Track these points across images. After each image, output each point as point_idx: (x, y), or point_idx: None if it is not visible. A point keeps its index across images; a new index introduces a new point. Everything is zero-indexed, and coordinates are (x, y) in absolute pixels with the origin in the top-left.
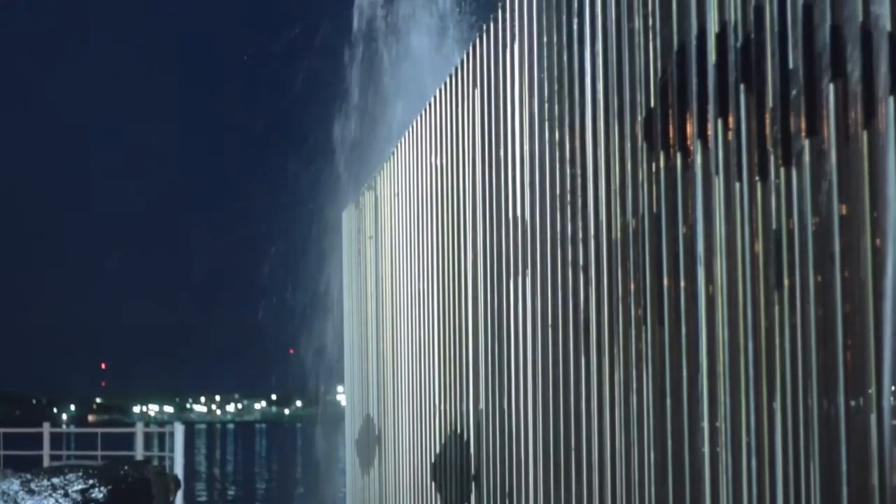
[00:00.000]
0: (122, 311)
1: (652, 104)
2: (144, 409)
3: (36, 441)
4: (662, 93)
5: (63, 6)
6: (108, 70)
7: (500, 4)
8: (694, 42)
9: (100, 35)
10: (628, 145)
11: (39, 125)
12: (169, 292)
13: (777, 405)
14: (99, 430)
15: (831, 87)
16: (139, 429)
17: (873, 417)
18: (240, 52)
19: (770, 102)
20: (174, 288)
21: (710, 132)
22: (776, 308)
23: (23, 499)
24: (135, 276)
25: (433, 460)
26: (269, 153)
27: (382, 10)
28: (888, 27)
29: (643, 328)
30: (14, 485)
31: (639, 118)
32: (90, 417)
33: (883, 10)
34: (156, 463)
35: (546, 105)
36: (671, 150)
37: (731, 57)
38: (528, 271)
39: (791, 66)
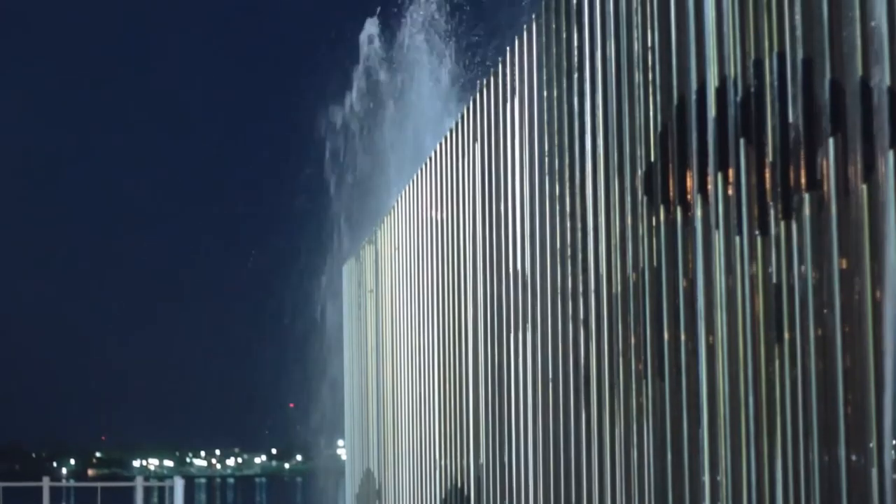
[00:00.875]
0: (123, 364)
1: (652, 158)
2: (144, 463)
3: (36, 495)
4: (662, 147)
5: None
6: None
7: (499, 59)
8: (694, 96)
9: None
10: (628, 199)
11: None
12: (170, 347)
13: (778, 459)
14: (99, 485)
15: (831, 141)
16: (139, 483)
17: (874, 472)
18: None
19: (770, 156)
20: (175, 342)
21: (710, 186)
22: (777, 362)
23: None
24: (135, 331)
25: None
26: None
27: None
28: (887, 82)
29: (644, 382)
30: None
31: (639, 172)
32: (90, 471)
33: (882, 66)
34: None
35: (546, 159)
36: (671, 204)
37: (731, 111)
38: (529, 325)
39: (791, 120)
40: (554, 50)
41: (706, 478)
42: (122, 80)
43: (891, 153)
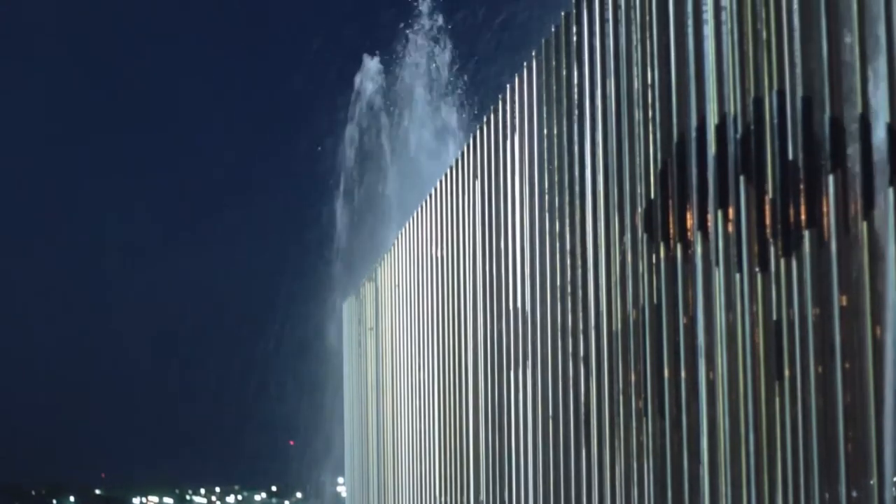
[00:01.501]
0: (122, 401)
1: (652, 195)
2: (144, 500)
3: None
4: (662, 184)
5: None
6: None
7: (499, 96)
8: (694, 134)
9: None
10: (628, 236)
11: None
12: (169, 385)
13: (779, 496)
14: None
15: (831, 178)
16: None
17: None
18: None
19: (770, 193)
20: (175, 380)
21: (710, 223)
22: (777, 398)
23: None
24: (135, 368)
25: None
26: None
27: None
28: (887, 118)
29: (644, 419)
30: None
31: (639, 209)
32: None
33: (881, 102)
34: None
35: (546, 196)
36: (671, 241)
37: (731, 148)
38: (529, 362)
39: (791, 157)
40: (554, 87)
41: None
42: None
43: (890, 190)
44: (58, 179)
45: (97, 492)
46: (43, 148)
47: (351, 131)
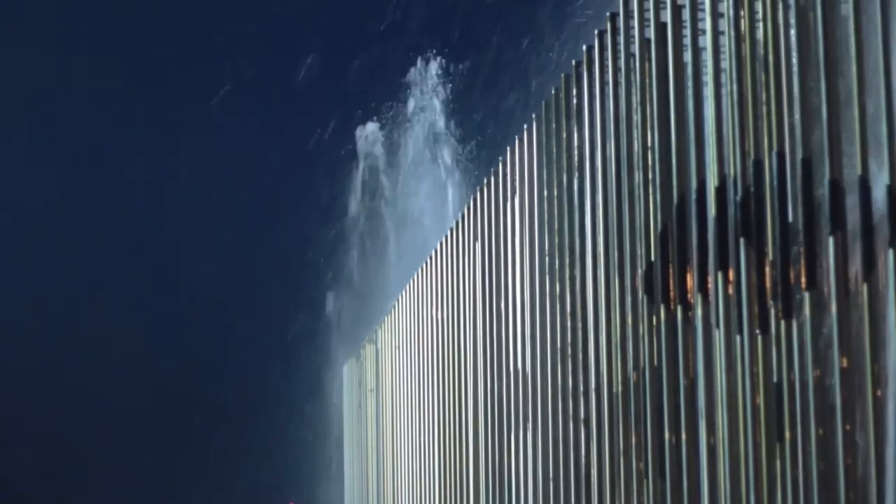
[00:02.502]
0: (121, 458)
1: (652, 257)
2: None
3: None
4: (663, 246)
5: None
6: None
7: (500, 158)
8: (694, 196)
9: None
10: (629, 298)
11: None
12: (171, 439)
13: None
14: None
15: (830, 240)
16: None
17: None
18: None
19: (770, 255)
20: (175, 434)
21: (710, 285)
22: (778, 461)
23: None
24: (136, 428)
25: None
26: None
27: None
28: (886, 180)
29: (645, 481)
30: None
31: (639, 271)
32: None
33: (881, 164)
34: None
35: (546, 258)
36: (672, 303)
37: (731, 210)
38: (529, 424)
39: (790, 219)
40: (554, 149)
41: None
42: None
43: (890, 252)
44: None
45: None
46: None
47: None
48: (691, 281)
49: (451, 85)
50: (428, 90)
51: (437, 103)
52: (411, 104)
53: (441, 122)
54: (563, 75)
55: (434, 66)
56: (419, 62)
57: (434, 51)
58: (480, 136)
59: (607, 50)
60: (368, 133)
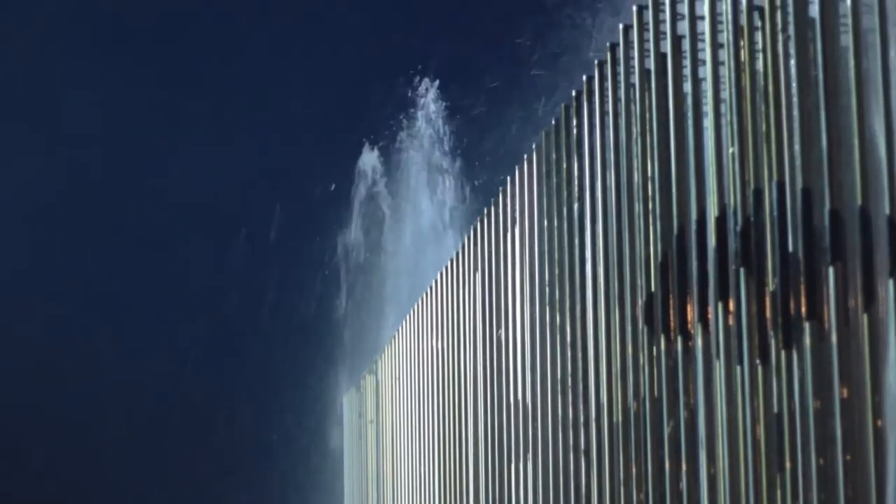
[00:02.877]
0: (124, 477)
1: (652, 288)
2: None
3: None
4: (663, 276)
5: None
6: None
7: (500, 188)
8: (694, 226)
9: None
10: (629, 329)
11: None
12: (172, 483)
13: None
14: None
15: (831, 270)
16: None
17: None
18: None
19: (770, 286)
20: (177, 477)
21: (710, 315)
22: (778, 492)
23: None
24: (140, 444)
25: None
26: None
27: None
28: (886, 210)
29: None
30: None
31: (639, 301)
32: None
33: (881, 193)
34: None
35: (546, 289)
36: (672, 333)
37: (731, 241)
38: (530, 455)
39: (791, 249)
40: (554, 180)
41: None
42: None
43: (891, 282)
44: None
45: None
46: None
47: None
48: (691, 311)
49: (451, 112)
50: (427, 117)
51: (436, 130)
52: (411, 131)
53: (440, 151)
54: (562, 105)
55: (434, 92)
56: (418, 88)
57: (433, 75)
58: (483, 167)
59: (607, 80)
60: (367, 160)
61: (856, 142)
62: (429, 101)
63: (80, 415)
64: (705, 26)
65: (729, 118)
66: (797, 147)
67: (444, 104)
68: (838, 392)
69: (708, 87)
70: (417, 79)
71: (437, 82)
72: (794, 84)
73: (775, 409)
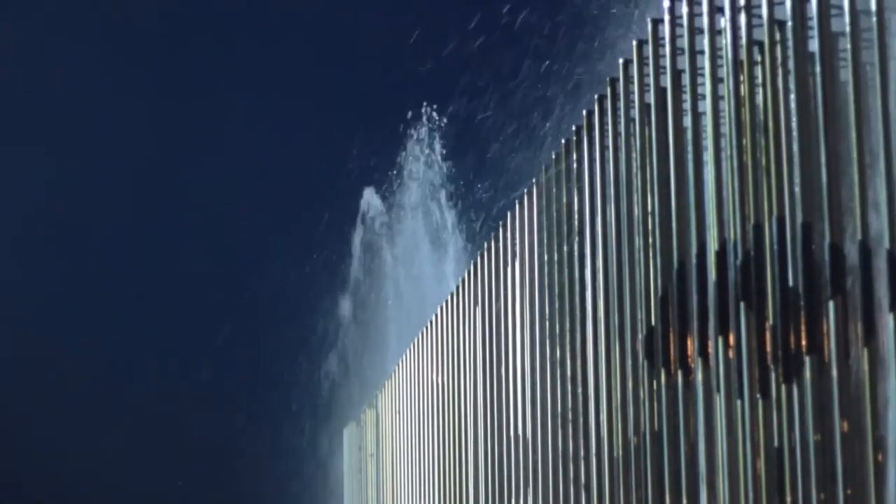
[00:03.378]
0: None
1: (652, 322)
2: None
3: None
4: (663, 310)
5: None
6: None
7: (500, 223)
8: (694, 260)
9: None
10: (629, 363)
11: None
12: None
13: None
14: None
15: (831, 304)
16: None
17: None
18: None
19: (770, 319)
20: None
21: (710, 350)
22: None
23: None
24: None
25: None
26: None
27: None
28: (887, 244)
29: None
30: None
31: (639, 336)
32: None
33: (882, 228)
34: None
35: (547, 322)
36: (672, 367)
37: (731, 275)
38: (530, 488)
39: (791, 283)
40: (554, 213)
41: None
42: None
43: (891, 316)
44: None
45: None
46: None
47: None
48: (692, 345)
49: (449, 144)
50: (427, 150)
51: (437, 165)
52: (410, 166)
53: (442, 186)
54: (563, 140)
55: (432, 124)
56: (417, 119)
57: (434, 107)
58: (485, 202)
59: (607, 114)
60: (367, 197)
61: (856, 177)
62: None
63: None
64: (705, 61)
65: (729, 152)
66: (797, 181)
67: None
68: (839, 426)
69: (708, 121)
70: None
71: None
72: (793, 118)
73: (776, 443)
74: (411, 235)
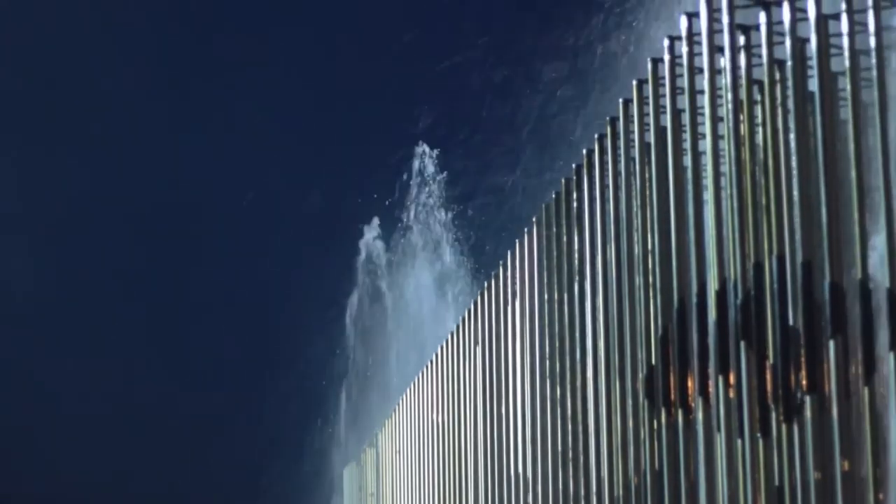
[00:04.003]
0: None
1: (653, 361)
2: None
3: None
4: (663, 349)
5: None
6: None
7: (500, 262)
8: (694, 299)
9: None
10: (630, 402)
11: None
12: None
13: None
14: None
15: (831, 343)
16: None
17: None
18: None
19: (771, 359)
20: None
21: (711, 389)
22: None
23: None
24: None
25: None
26: None
27: None
28: (887, 283)
29: None
30: None
31: (640, 375)
32: None
33: (882, 267)
34: None
35: (547, 362)
36: (673, 406)
37: (732, 314)
38: None
39: (791, 322)
40: (555, 253)
41: None
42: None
43: (891, 355)
44: None
45: None
46: None
47: None
48: (692, 384)
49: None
50: (429, 189)
51: (439, 202)
52: (413, 203)
53: (444, 225)
54: (563, 179)
55: (436, 163)
56: (421, 158)
57: (437, 148)
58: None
59: (607, 153)
60: (369, 234)
61: (856, 215)
62: None
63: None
64: (705, 100)
65: (729, 192)
66: (797, 220)
67: None
68: (839, 465)
69: (708, 160)
70: None
71: None
72: (793, 157)
73: (777, 483)
74: None
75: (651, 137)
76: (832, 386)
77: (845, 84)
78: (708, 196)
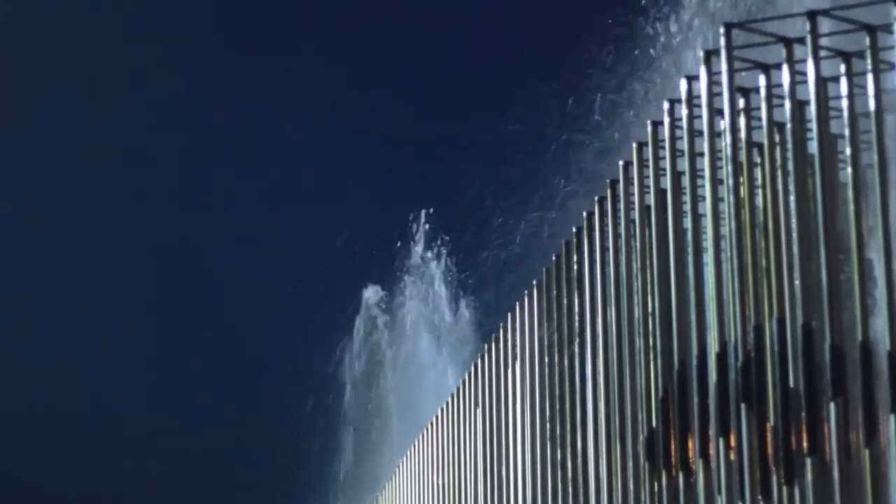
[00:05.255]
0: None
1: (653, 423)
2: None
3: None
4: (664, 412)
5: None
6: None
7: (500, 324)
8: (694, 361)
9: None
10: (630, 464)
11: None
12: None
13: None
14: None
15: (832, 405)
16: None
17: None
18: None
19: (771, 421)
20: None
21: (711, 451)
22: None
23: None
24: None
25: None
26: None
27: None
28: (888, 346)
29: None
30: None
31: (640, 437)
32: None
33: (882, 330)
34: None
35: (548, 424)
36: (673, 469)
37: (732, 376)
38: None
39: (791, 384)
40: (555, 315)
41: None
42: None
43: (892, 417)
44: None
45: None
46: None
47: None
48: (693, 446)
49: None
50: (429, 253)
51: (439, 267)
52: (412, 264)
53: (443, 289)
54: (563, 241)
55: (433, 226)
56: (418, 222)
57: (432, 209)
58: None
59: (607, 216)
60: (369, 297)
61: (855, 277)
62: None
63: None
64: (705, 162)
65: (729, 254)
66: (797, 283)
67: None
68: None
69: (708, 222)
70: None
71: None
72: (793, 219)
73: None
74: None
75: (651, 199)
76: (833, 448)
77: (845, 146)
78: (708, 258)
